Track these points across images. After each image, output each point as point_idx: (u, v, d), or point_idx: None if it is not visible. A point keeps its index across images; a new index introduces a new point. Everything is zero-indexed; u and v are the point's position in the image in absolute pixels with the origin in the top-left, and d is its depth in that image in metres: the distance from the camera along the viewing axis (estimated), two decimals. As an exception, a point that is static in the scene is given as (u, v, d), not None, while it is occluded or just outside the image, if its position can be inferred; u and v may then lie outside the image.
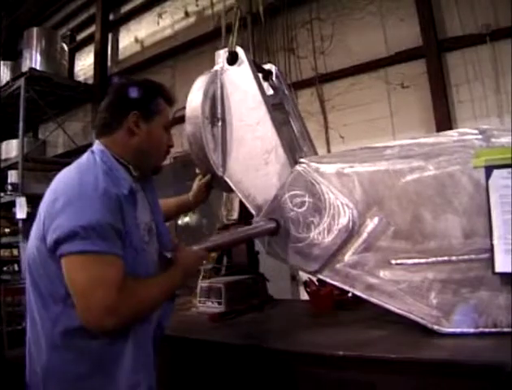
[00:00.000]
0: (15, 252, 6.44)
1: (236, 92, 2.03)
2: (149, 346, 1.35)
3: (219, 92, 2.05)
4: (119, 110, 1.41)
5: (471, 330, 1.43)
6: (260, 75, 2.29)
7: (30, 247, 1.31)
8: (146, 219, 1.43)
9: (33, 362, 1.29)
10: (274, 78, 2.36)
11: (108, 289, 1.15)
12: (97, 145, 1.41)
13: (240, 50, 2.05)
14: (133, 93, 1.42)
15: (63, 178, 1.32)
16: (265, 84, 2.32)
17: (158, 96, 1.48)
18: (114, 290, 1.16)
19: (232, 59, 2.05)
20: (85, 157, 1.38)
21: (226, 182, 2.01)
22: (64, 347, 1.22)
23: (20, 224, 5.85)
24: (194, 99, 2.02)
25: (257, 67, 2.22)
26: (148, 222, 1.44)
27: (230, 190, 2.07)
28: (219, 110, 2.04)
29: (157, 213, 1.54)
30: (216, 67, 2.09)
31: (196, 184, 2.04)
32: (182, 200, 2.03)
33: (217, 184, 2.06)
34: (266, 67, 2.37)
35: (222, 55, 2.08)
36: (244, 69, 2.03)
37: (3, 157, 6.76)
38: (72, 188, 1.25)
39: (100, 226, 1.18)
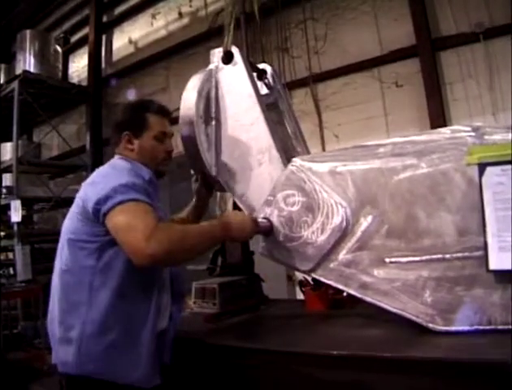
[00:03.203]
0: (11, 255, 6.40)
1: (231, 92, 2.01)
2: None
3: (213, 91, 2.03)
4: (117, 133, 1.73)
5: (466, 328, 1.42)
6: (255, 74, 2.27)
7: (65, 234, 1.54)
8: (161, 213, 1.61)
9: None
10: (269, 77, 2.34)
11: (146, 226, 1.34)
12: (115, 157, 1.70)
13: (235, 50, 2.03)
14: (123, 116, 1.78)
15: (96, 172, 1.58)
16: (259, 84, 2.30)
17: (146, 112, 1.74)
18: (151, 226, 1.34)
19: (227, 59, 2.03)
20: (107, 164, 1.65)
21: (219, 182, 1.99)
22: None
23: (15, 227, 5.82)
24: (188, 98, 1.99)
25: (252, 66, 2.19)
26: (162, 215, 1.62)
27: (223, 190, 2.06)
28: (214, 110, 2.02)
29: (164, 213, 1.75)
30: (211, 66, 2.07)
31: (195, 191, 2.07)
32: (189, 212, 2.07)
33: (212, 184, 2.05)
34: (261, 66, 2.35)
35: (217, 54, 2.06)
36: (239, 69, 2.01)
37: (-2, 160, 6.72)
38: (106, 171, 1.56)
39: (134, 184, 1.44)
